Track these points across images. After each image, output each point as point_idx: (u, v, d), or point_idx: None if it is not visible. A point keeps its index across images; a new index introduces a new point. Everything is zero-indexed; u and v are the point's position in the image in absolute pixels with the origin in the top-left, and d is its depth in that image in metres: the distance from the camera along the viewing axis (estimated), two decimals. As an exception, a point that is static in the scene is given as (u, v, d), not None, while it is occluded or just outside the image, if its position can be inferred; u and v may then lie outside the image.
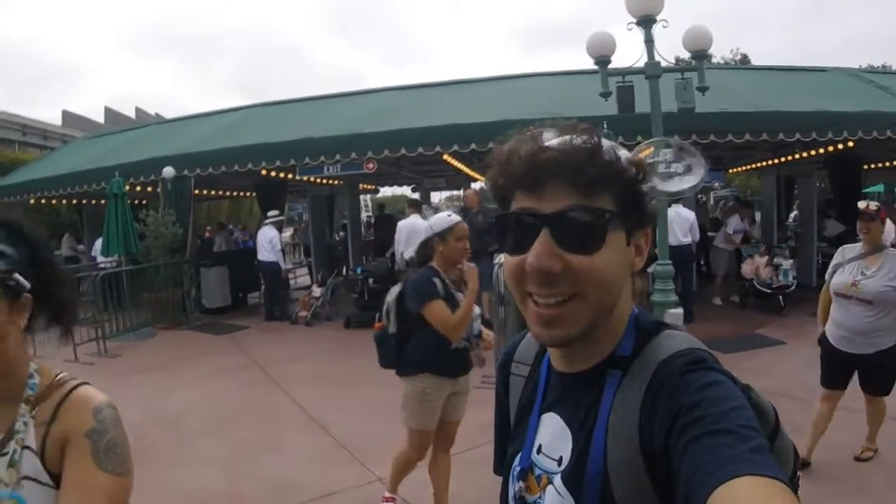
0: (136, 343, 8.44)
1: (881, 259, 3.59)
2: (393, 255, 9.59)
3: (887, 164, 13.13)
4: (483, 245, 7.07)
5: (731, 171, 14.85)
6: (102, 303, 8.27)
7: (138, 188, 10.78)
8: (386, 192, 22.81)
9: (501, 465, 1.02)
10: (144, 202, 12.01)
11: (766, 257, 8.76)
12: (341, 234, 14.88)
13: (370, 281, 9.03)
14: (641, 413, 0.77)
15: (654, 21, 5.79)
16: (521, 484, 0.91)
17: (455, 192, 20.81)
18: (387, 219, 13.84)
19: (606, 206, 0.79)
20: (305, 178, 10.41)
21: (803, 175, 11.24)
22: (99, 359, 7.51)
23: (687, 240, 8.30)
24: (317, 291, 9.77)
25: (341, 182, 12.20)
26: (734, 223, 10.16)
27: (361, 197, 18.89)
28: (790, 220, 14.55)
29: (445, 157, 9.04)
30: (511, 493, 0.94)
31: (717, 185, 20.35)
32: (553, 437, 0.89)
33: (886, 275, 3.53)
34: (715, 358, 0.79)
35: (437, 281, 3.04)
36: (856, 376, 3.77)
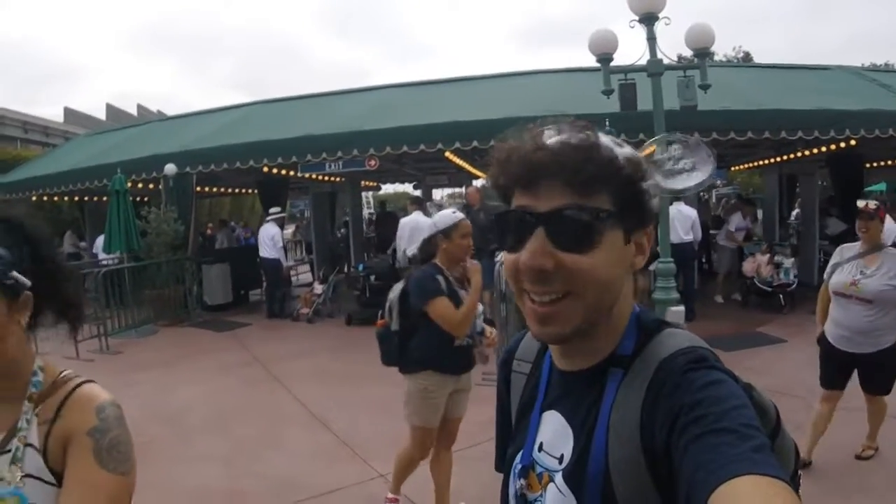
0: (137, 340, 8.45)
1: (880, 258, 3.58)
2: (394, 252, 9.59)
3: (889, 162, 13.11)
4: (485, 242, 7.07)
5: (733, 168, 14.83)
6: (104, 299, 8.29)
7: (140, 185, 10.80)
8: (388, 189, 22.82)
9: (503, 463, 1.02)
10: (146, 199, 12.03)
11: (768, 255, 8.75)
12: (343, 231, 14.88)
13: (372, 278, 9.03)
14: (643, 411, 0.77)
15: (657, 18, 5.78)
16: (523, 482, 0.91)
17: (457, 190, 20.79)
18: (388, 216, 13.82)
19: (603, 205, 0.79)
20: (307, 175, 10.43)
21: (805, 173, 11.21)
22: (100, 356, 7.52)
23: (689, 238, 8.29)
24: (318, 288, 9.77)
25: (343, 179, 12.21)
26: (736, 221, 10.14)
27: (363, 194, 18.88)
28: (792, 218, 14.52)
29: (447, 154, 9.03)
30: (512, 491, 0.94)
31: (719, 182, 20.31)
32: (554, 435, 0.89)
33: (886, 273, 3.52)
34: (716, 356, 0.79)
35: (440, 278, 3.04)
36: (855, 376, 3.76)
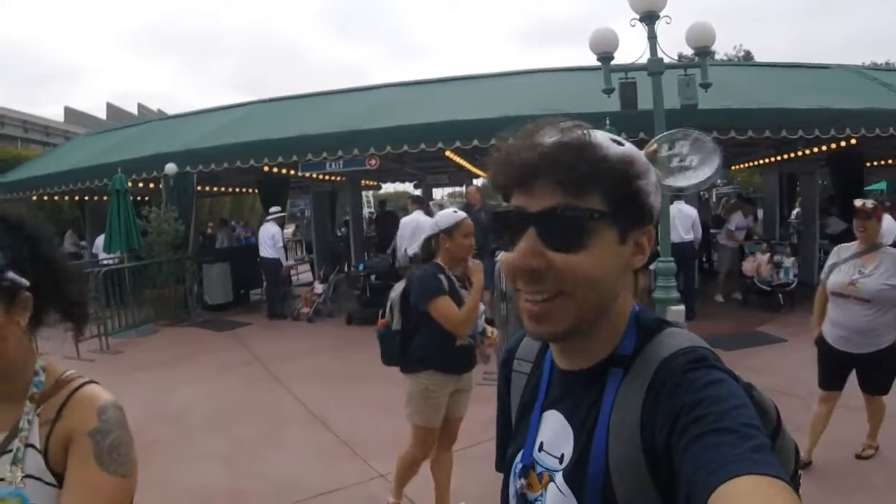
0: (138, 339, 8.46)
1: (878, 257, 3.58)
2: (394, 251, 9.58)
3: (890, 161, 13.11)
4: (486, 242, 7.07)
5: (733, 168, 14.84)
6: (104, 299, 8.29)
7: (140, 184, 10.81)
8: (388, 188, 22.85)
9: (503, 462, 1.02)
10: (147, 198, 12.04)
11: (768, 255, 8.75)
12: (343, 230, 14.87)
13: (372, 277, 9.04)
14: (643, 411, 0.77)
15: (657, 17, 5.79)
16: (523, 481, 0.91)
17: (457, 189, 20.82)
18: (388, 215, 13.82)
19: (596, 206, 0.79)
20: (307, 174, 10.42)
21: (806, 172, 11.21)
22: (101, 355, 7.52)
23: (689, 237, 8.29)
24: (319, 288, 9.77)
25: (343, 178, 12.20)
26: (737, 220, 10.14)
27: (364, 193, 18.87)
28: (792, 217, 14.51)
29: (447, 153, 9.03)
30: (512, 491, 0.94)
31: (719, 182, 20.30)
32: (555, 434, 0.89)
33: (884, 273, 3.51)
34: (717, 356, 0.79)
35: (442, 277, 3.03)
36: (854, 376, 3.76)
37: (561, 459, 0.86)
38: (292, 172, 10.40)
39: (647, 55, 5.94)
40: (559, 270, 0.78)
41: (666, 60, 6.00)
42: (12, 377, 1.07)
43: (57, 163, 12.62)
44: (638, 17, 5.81)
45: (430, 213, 8.74)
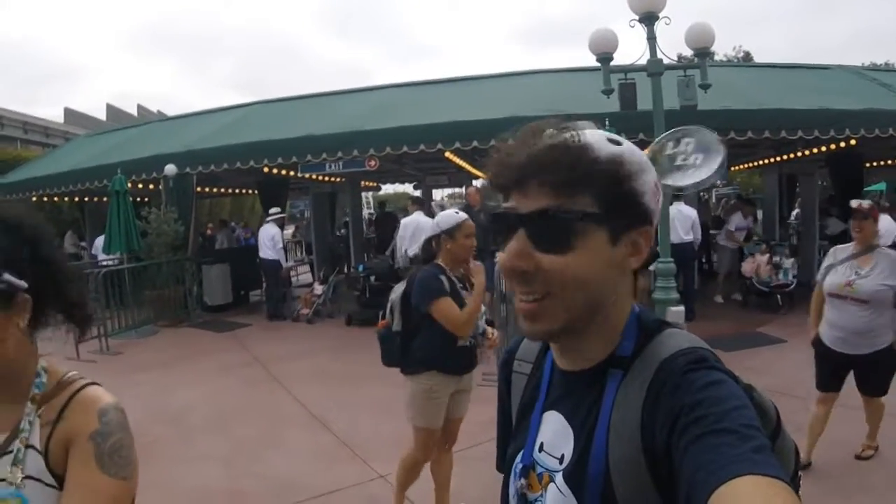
0: (137, 340, 8.46)
1: (874, 258, 3.58)
2: (393, 252, 9.58)
3: (889, 162, 13.11)
4: (487, 243, 7.07)
5: (732, 168, 14.83)
6: (104, 300, 8.29)
7: (140, 185, 10.80)
8: (388, 189, 22.82)
9: (504, 463, 1.02)
10: (146, 199, 12.03)
11: (767, 256, 8.76)
12: (343, 231, 14.88)
13: (372, 278, 9.04)
14: (643, 412, 0.77)
15: (657, 18, 5.78)
16: (523, 482, 0.91)
17: (457, 190, 20.82)
18: (387, 216, 13.83)
19: (586, 207, 0.79)
20: (307, 175, 10.43)
21: (805, 173, 11.21)
22: (101, 356, 7.52)
23: (689, 237, 8.29)
24: (318, 289, 9.78)
25: (343, 179, 12.21)
26: (736, 220, 10.15)
27: (363, 194, 18.87)
28: (792, 218, 14.52)
29: (447, 154, 9.03)
30: (512, 491, 0.94)
31: (719, 183, 20.31)
32: (555, 435, 0.89)
33: (880, 273, 3.52)
34: (717, 357, 0.79)
35: (443, 278, 3.03)
36: (852, 376, 3.76)
37: (561, 460, 0.86)
38: (292, 173, 10.41)
39: (647, 56, 5.93)
40: (547, 272, 0.79)
41: (665, 61, 6.00)
42: (13, 378, 1.06)
43: (57, 164, 12.62)
44: (637, 17, 5.81)
45: (430, 214, 8.74)
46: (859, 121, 7.78)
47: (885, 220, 8.22)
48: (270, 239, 9.74)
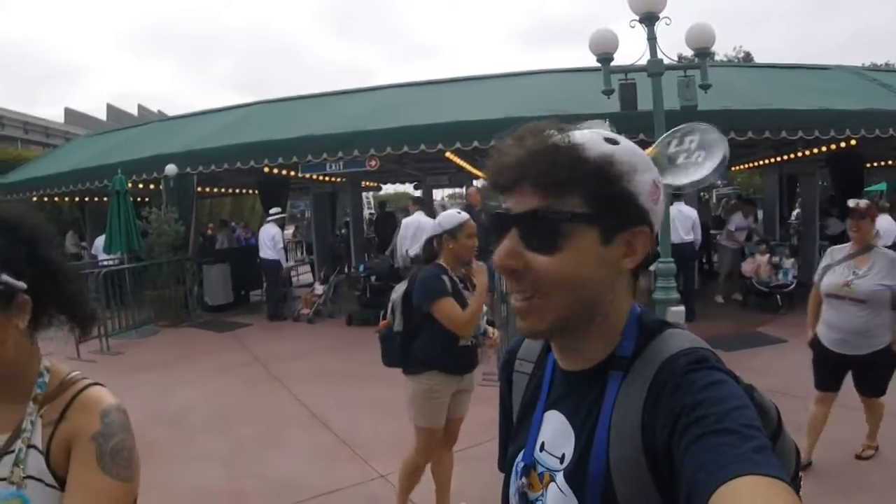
0: (138, 340, 8.46)
1: (871, 258, 3.58)
2: (393, 252, 9.58)
3: (890, 162, 13.12)
4: (487, 243, 7.07)
5: (733, 168, 14.84)
6: (105, 300, 8.29)
7: (141, 185, 10.81)
8: (388, 189, 22.82)
9: (505, 462, 1.03)
10: (147, 199, 12.05)
11: (767, 256, 8.76)
12: (343, 231, 14.88)
13: (372, 278, 9.05)
14: (644, 412, 0.77)
15: (657, 18, 5.79)
16: (524, 481, 0.91)
17: (458, 190, 20.79)
18: (388, 216, 13.83)
19: (575, 207, 0.79)
20: (307, 175, 10.42)
21: (805, 173, 11.21)
22: (101, 356, 7.53)
23: (689, 238, 8.29)
24: (319, 289, 9.78)
25: (343, 179, 12.21)
26: (737, 221, 10.15)
27: (364, 194, 18.87)
28: (792, 218, 14.52)
29: (448, 154, 9.03)
30: (513, 490, 0.95)
31: (719, 183, 20.33)
32: (556, 434, 0.89)
33: (878, 273, 3.51)
34: (718, 357, 0.79)
35: (445, 278, 3.03)
36: (850, 376, 3.76)
37: (562, 459, 0.86)
38: (292, 173, 10.41)
39: (647, 56, 5.94)
40: (536, 271, 0.80)
41: (666, 61, 6.01)
42: (14, 379, 1.06)
43: (57, 164, 12.62)
44: (637, 18, 5.81)
45: (431, 215, 8.75)
46: (859, 121, 7.78)
47: (885, 220, 8.25)
48: (271, 239, 9.74)
